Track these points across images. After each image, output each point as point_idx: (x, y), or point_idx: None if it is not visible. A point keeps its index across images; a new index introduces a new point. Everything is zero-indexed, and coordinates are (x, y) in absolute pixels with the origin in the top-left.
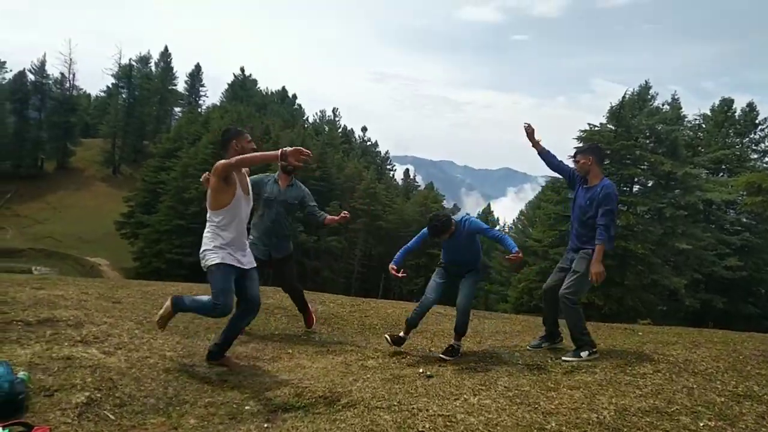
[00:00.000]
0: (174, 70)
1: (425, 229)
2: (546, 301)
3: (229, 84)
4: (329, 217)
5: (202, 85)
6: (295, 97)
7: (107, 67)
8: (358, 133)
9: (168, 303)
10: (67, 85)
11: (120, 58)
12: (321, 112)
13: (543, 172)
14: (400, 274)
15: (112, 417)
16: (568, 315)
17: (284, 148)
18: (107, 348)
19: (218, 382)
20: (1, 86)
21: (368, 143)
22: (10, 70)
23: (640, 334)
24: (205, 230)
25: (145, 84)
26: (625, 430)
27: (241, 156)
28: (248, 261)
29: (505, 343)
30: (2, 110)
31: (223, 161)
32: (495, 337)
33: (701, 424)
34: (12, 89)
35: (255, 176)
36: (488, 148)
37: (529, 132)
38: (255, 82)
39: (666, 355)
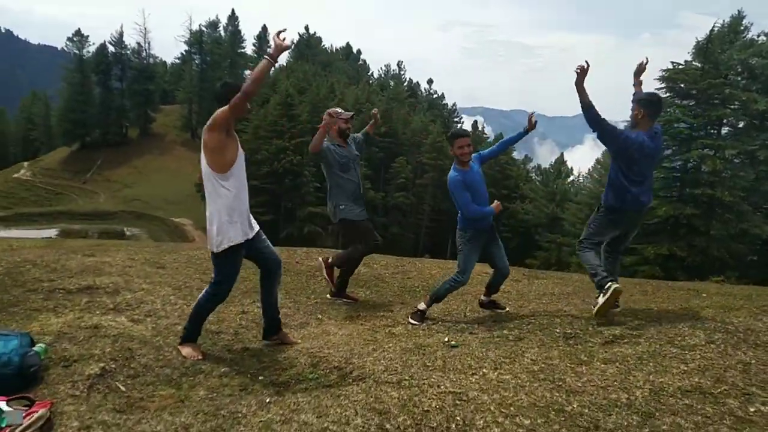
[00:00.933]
0: (242, 34)
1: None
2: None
3: (294, 44)
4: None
5: (269, 47)
6: (359, 53)
7: (179, 35)
8: (423, 86)
9: None
10: (144, 54)
11: (190, 25)
12: (386, 66)
13: (624, 116)
14: None
15: (122, 389)
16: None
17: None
18: (137, 315)
19: (240, 349)
20: (86, 60)
21: (434, 96)
22: (93, 44)
23: (703, 295)
24: (211, 200)
25: (216, 49)
26: (658, 414)
27: (245, 86)
28: (254, 225)
29: (548, 307)
30: (88, 82)
31: (221, 109)
32: (540, 300)
33: (752, 410)
34: (95, 62)
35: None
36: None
37: (581, 74)
38: (320, 40)
39: (726, 322)
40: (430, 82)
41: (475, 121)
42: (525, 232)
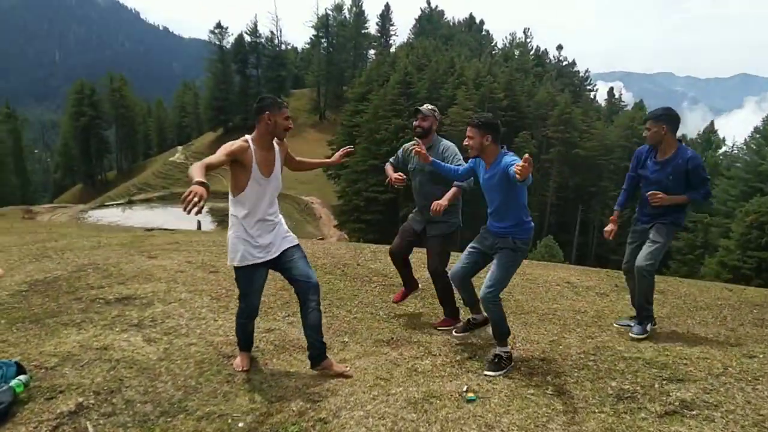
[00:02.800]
0: (365, 14)
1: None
2: (631, 280)
3: (416, 19)
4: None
5: (392, 25)
6: (482, 23)
7: (308, 20)
8: (552, 53)
9: None
10: (276, 41)
11: (317, 9)
12: (511, 35)
13: None
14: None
15: (90, 430)
16: (645, 286)
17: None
18: (155, 333)
19: (240, 382)
20: (226, 50)
21: (564, 63)
22: (231, 35)
23: None
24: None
25: (341, 31)
26: None
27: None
28: (275, 246)
29: (620, 341)
30: (229, 71)
31: (202, 161)
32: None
33: None
34: (234, 51)
35: (407, 144)
36: (718, 53)
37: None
38: (441, 13)
39: None
40: (559, 48)
41: (611, 88)
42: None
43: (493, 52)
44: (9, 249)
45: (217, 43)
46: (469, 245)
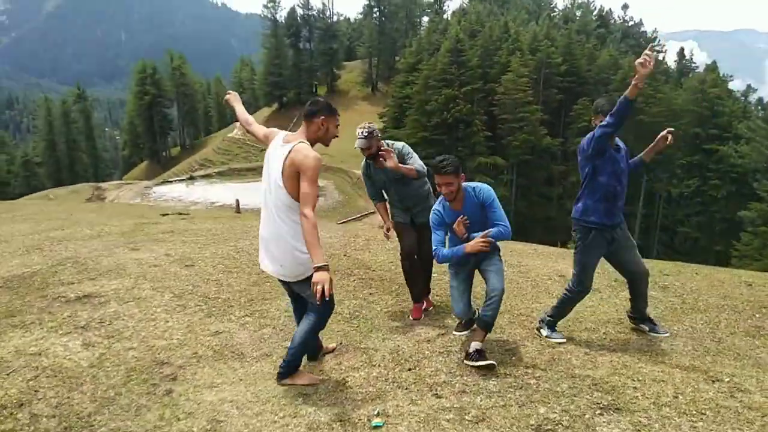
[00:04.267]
0: None
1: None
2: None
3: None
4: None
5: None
6: None
7: None
8: (618, 13)
9: None
10: (328, 13)
11: None
12: None
13: None
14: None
15: None
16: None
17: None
18: (97, 337)
19: (160, 393)
20: (280, 24)
21: (629, 24)
22: (284, 9)
23: None
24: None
25: None
26: None
27: (305, 225)
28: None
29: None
30: (282, 45)
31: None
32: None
33: None
34: (287, 25)
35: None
36: None
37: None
38: None
39: None
40: (624, 7)
41: (682, 48)
42: (738, 179)
43: (552, 14)
44: (13, 239)
45: (270, 17)
46: (452, 271)
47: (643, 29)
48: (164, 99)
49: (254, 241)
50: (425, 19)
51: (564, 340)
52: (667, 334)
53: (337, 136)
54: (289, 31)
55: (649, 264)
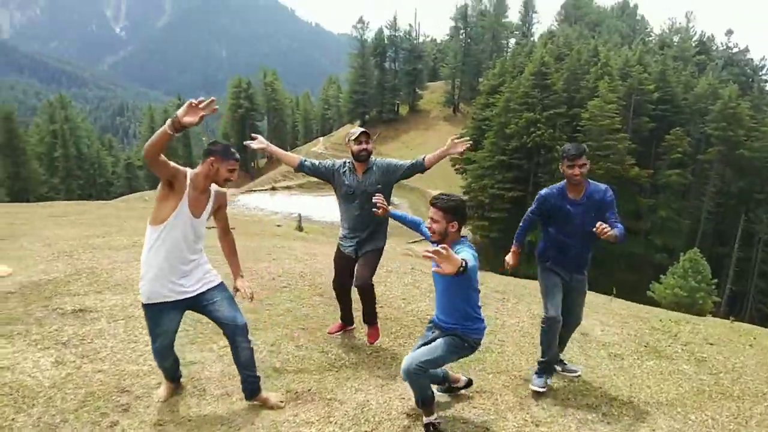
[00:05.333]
0: (506, 2)
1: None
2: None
3: (561, 6)
4: (430, 156)
5: (535, 12)
6: (636, 7)
7: (450, 13)
8: (720, 39)
9: None
10: (414, 34)
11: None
12: (670, 20)
13: None
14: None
15: None
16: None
17: (176, 113)
18: (72, 355)
19: (105, 426)
20: (366, 44)
21: (733, 51)
22: (371, 29)
23: None
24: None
25: (480, 21)
26: None
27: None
28: (192, 287)
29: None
30: (368, 65)
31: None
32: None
33: None
34: (374, 45)
35: (327, 162)
36: None
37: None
38: None
39: None
40: (729, 33)
41: None
42: None
43: (648, 38)
44: (55, 244)
45: (359, 37)
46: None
47: (749, 56)
48: (256, 112)
49: (271, 264)
50: (512, 41)
51: (544, 389)
52: (579, 373)
53: (230, 180)
54: (376, 51)
55: (698, 327)
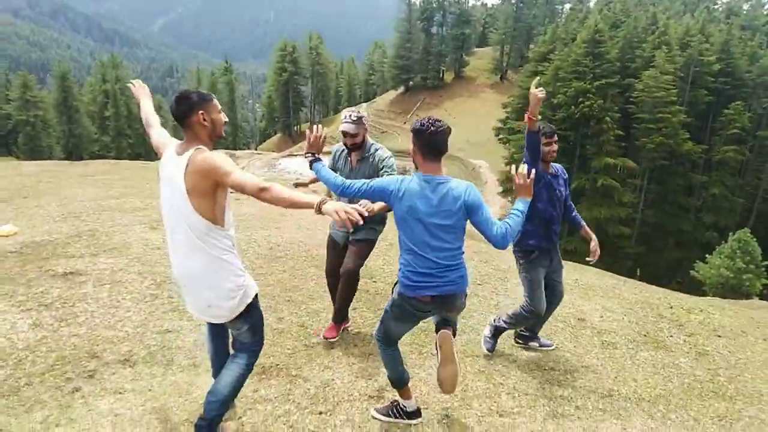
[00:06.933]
0: None
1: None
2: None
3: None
4: None
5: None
6: None
7: None
8: None
9: None
10: None
11: None
12: None
13: None
14: None
15: None
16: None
17: (323, 200)
18: (51, 318)
19: (67, 391)
20: (414, 8)
21: None
22: None
23: None
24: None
25: None
26: None
27: (275, 194)
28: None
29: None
30: (415, 29)
31: (220, 167)
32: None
33: None
34: (421, 9)
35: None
36: None
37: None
38: None
39: None
40: None
41: None
42: None
43: (714, 5)
44: (70, 203)
45: (407, 1)
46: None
47: None
48: (300, 77)
49: (275, 232)
50: (567, 6)
51: (490, 354)
52: (553, 347)
53: (226, 122)
54: (423, 15)
55: (712, 317)
